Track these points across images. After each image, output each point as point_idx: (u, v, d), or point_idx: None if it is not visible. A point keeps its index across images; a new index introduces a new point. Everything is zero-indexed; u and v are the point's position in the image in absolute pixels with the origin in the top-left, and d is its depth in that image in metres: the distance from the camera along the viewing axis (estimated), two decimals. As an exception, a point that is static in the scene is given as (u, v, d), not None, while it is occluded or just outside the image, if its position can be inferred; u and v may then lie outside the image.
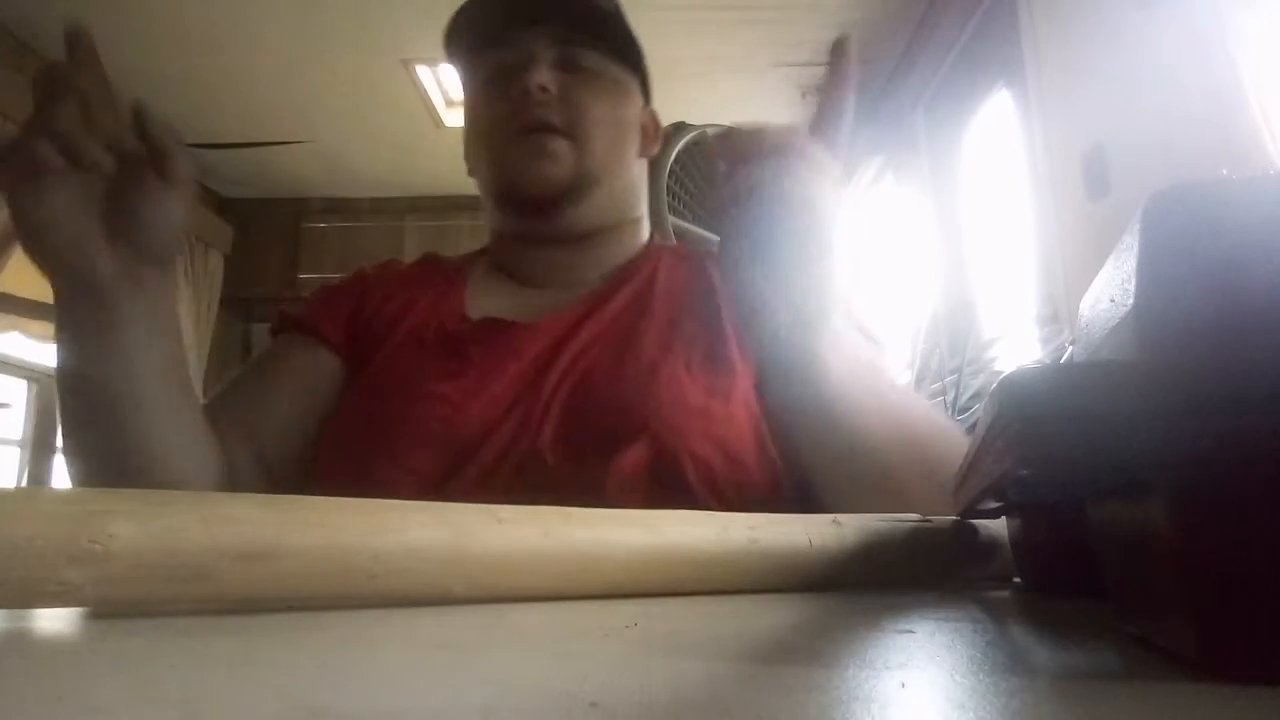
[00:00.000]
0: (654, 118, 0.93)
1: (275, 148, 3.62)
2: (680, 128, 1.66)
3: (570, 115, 0.81)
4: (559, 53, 0.83)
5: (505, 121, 0.82)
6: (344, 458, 0.73)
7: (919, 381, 2.08)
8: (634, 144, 0.89)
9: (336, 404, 0.79)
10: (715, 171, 1.70)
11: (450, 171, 3.93)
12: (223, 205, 4.08)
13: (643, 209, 0.93)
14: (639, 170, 0.92)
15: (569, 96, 0.81)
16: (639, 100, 0.90)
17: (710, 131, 1.72)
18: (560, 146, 0.81)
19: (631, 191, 0.90)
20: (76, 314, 0.62)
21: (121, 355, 0.62)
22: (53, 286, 0.62)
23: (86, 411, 0.63)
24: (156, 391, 0.64)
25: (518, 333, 0.78)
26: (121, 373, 0.62)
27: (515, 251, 0.89)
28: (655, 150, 0.94)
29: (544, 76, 0.80)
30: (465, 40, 0.87)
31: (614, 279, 0.85)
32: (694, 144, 1.66)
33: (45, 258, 0.61)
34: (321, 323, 0.83)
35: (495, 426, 0.72)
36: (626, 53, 0.87)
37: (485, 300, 0.85)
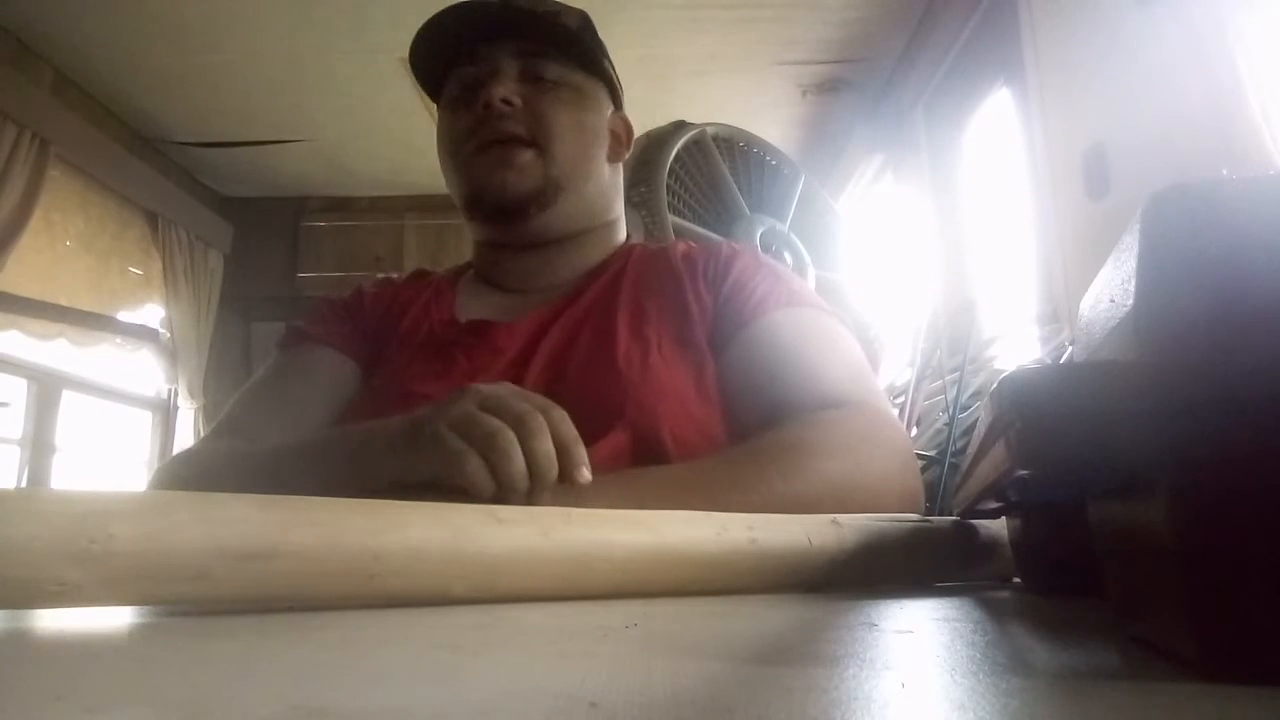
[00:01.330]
0: (625, 122, 0.95)
1: (275, 146, 3.61)
2: (680, 126, 1.66)
3: (534, 125, 0.83)
4: (522, 65, 0.85)
5: (471, 134, 0.84)
6: None
7: (919, 380, 2.08)
8: (602, 149, 0.90)
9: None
10: (718, 171, 1.70)
11: (450, 170, 3.92)
12: (222, 204, 4.08)
13: (616, 211, 0.95)
14: (611, 174, 0.93)
15: (533, 107, 0.83)
16: (606, 106, 0.92)
17: (710, 130, 1.72)
18: (525, 156, 0.83)
19: (603, 196, 0.91)
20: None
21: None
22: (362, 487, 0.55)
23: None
24: None
25: (499, 332, 0.81)
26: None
27: (494, 259, 0.91)
28: (627, 154, 0.95)
29: (506, 89, 0.82)
30: (431, 57, 0.88)
31: (588, 277, 0.87)
32: (694, 143, 1.66)
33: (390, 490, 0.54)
34: (334, 333, 0.87)
35: None
36: (591, 61, 0.89)
37: (472, 305, 0.88)
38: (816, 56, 2.92)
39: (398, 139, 3.54)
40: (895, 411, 0.81)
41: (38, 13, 2.66)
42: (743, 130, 1.79)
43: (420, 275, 0.99)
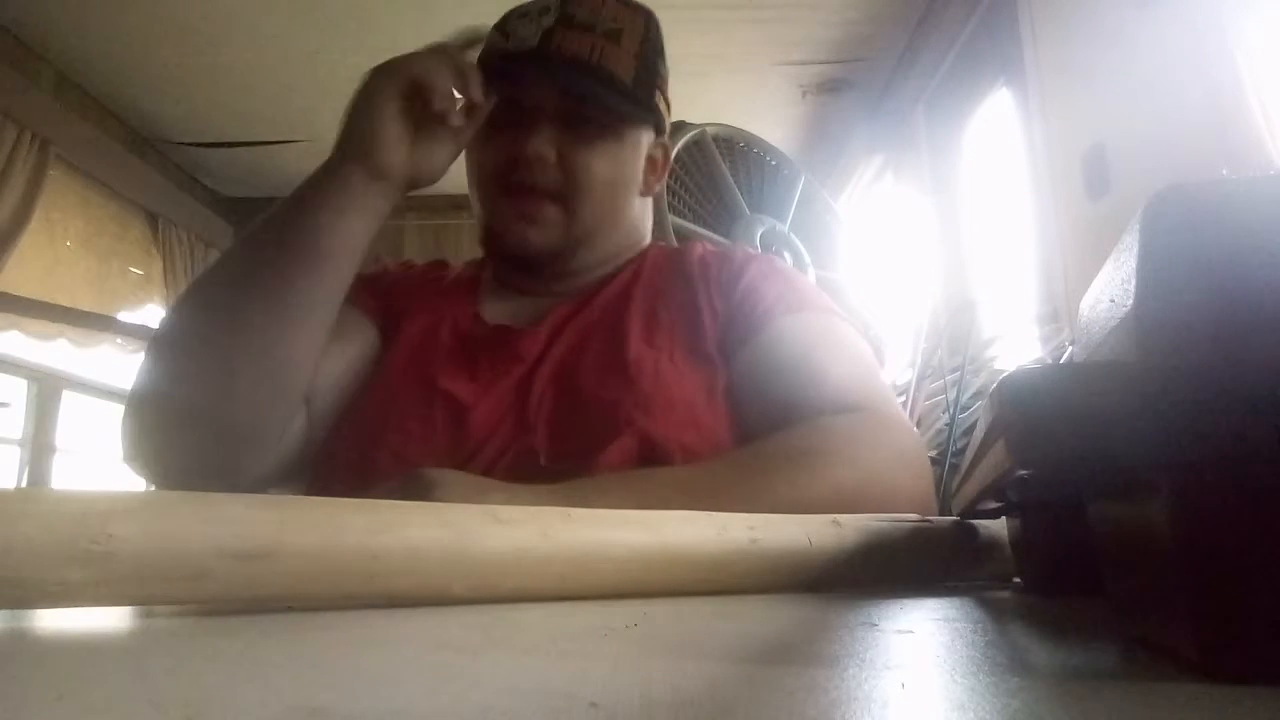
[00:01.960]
0: (664, 149, 0.91)
1: (275, 146, 3.61)
2: (680, 127, 1.66)
3: (565, 181, 0.79)
4: (565, 105, 0.79)
5: (498, 172, 0.80)
6: (350, 447, 0.74)
7: (920, 380, 2.08)
8: (635, 192, 0.87)
9: (367, 376, 0.81)
10: (718, 171, 1.70)
11: (450, 171, 3.93)
12: (223, 204, 4.07)
13: (642, 234, 0.92)
14: (641, 208, 0.90)
15: (567, 161, 0.79)
16: (647, 142, 0.87)
17: (710, 130, 1.72)
18: (550, 212, 0.80)
19: (630, 232, 0.89)
20: (355, 194, 0.71)
21: (358, 243, 0.72)
22: (347, 168, 0.72)
23: (288, 273, 0.69)
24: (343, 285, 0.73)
25: (520, 338, 0.80)
26: (349, 255, 0.72)
27: (507, 270, 0.89)
28: (660, 185, 0.92)
29: (541, 141, 0.78)
30: (481, 69, 0.82)
31: (603, 280, 0.86)
32: (694, 143, 1.66)
33: (372, 147, 0.73)
34: (358, 294, 0.83)
35: (496, 427, 0.74)
36: (640, 96, 0.83)
37: (495, 304, 0.87)
38: (817, 57, 2.92)
39: (398, 139, 3.54)
40: (906, 415, 0.80)
41: (38, 12, 2.65)
42: (743, 130, 1.79)
43: (441, 265, 0.97)
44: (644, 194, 0.90)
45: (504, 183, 0.80)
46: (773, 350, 0.76)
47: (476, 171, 0.84)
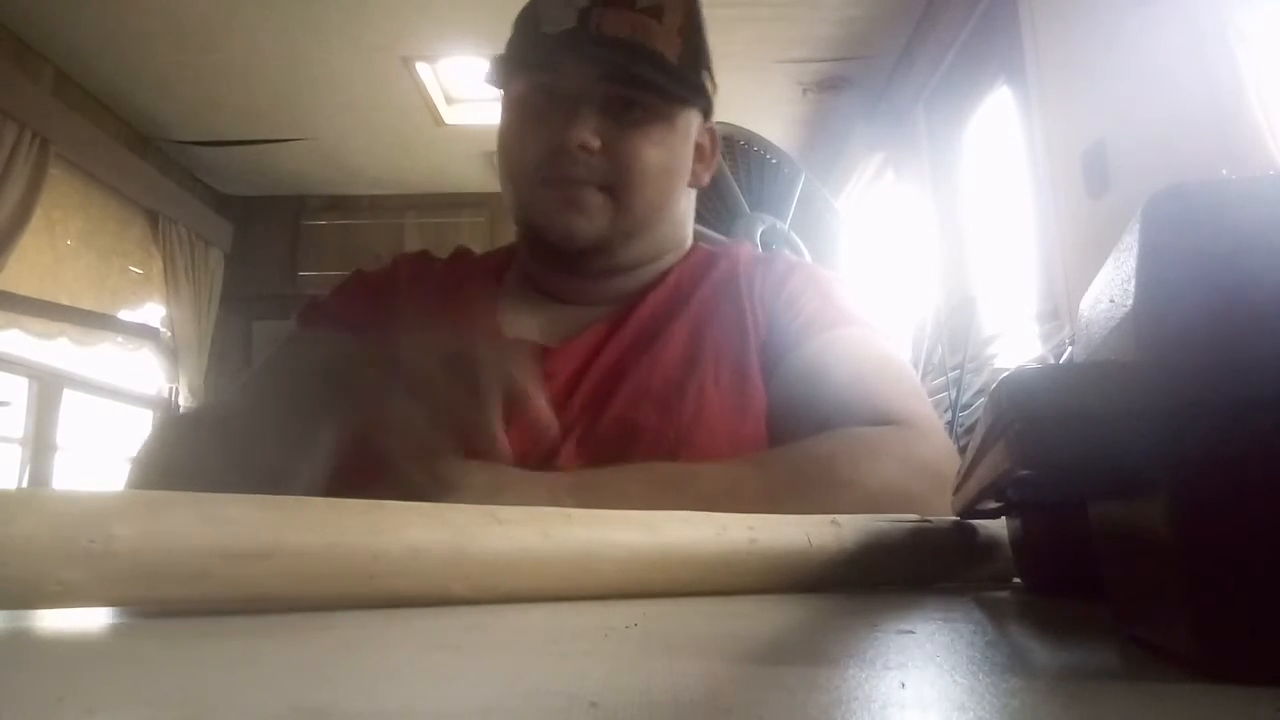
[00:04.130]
0: (711, 134, 0.85)
1: (275, 145, 3.62)
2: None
3: (612, 172, 0.75)
4: (608, 89, 0.75)
5: (538, 164, 0.75)
6: (367, 487, 0.71)
7: (920, 378, 2.08)
8: (684, 181, 0.82)
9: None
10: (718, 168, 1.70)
11: (451, 169, 3.93)
12: (222, 203, 4.08)
13: (687, 233, 0.87)
14: (688, 201, 0.85)
15: (614, 149, 0.74)
16: (695, 126, 0.82)
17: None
18: (596, 201, 0.75)
19: (677, 227, 0.84)
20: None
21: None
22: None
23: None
24: None
25: (547, 356, 0.75)
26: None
27: (543, 271, 0.84)
28: (708, 175, 0.86)
29: (587, 130, 0.73)
30: (512, 56, 0.79)
31: (643, 290, 0.81)
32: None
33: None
34: (359, 322, 0.79)
35: (521, 459, 0.70)
36: (688, 75, 0.78)
37: (519, 318, 0.82)
38: (817, 54, 2.92)
39: (398, 138, 3.54)
40: (945, 432, 0.76)
41: (38, 11, 2.66)
42: (743, 128, 1.79)
43: (462, 258, 0.90)
44: (692, 185, 0.85)
45: (545, 175, 0.75)
46: (809, 368, 0.73)
47: (513, 164, 0.78)
